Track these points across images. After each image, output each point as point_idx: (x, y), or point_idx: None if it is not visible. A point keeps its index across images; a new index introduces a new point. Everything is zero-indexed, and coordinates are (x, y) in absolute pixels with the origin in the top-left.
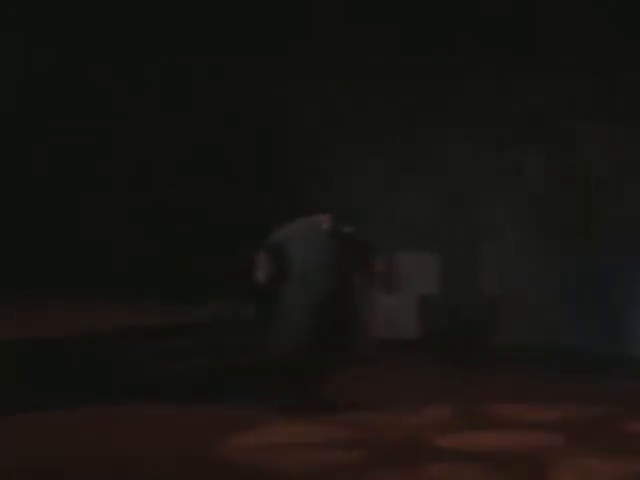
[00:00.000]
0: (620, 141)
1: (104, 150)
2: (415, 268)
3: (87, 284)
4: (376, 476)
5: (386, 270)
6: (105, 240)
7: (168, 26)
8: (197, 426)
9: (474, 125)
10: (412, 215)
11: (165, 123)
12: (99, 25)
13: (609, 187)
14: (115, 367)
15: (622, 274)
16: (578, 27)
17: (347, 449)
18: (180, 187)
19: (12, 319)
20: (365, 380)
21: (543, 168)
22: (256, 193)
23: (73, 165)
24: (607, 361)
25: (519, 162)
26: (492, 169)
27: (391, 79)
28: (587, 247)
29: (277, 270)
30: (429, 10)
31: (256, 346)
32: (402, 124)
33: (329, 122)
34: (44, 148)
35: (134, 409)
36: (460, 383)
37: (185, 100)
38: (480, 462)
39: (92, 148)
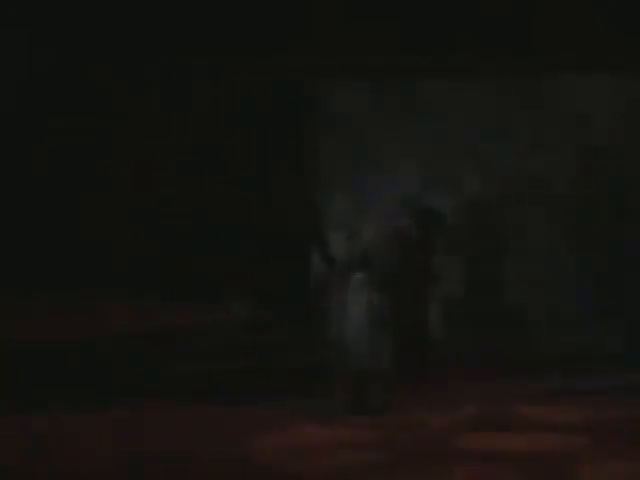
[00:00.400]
0: None
1: (104, 150)
2: None
3: (90, 284)
4: (406, 477)
5: None
6: (105, 240)
7: (168, 26)
8: (236, 425)
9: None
10: None
11: (165, 123)
12: (99, 25)
13: None
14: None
15: None
16: (578, 27)
17: (377, 451)
18: (180, 187)
19: (40, 319)
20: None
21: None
22: (256, 193)
23: (73, 165)
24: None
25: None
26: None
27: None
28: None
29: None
30: (429, 10)
31: (287, 347)
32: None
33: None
34: (44, 148)
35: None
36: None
37: (185, 100)
38: (500, 463)
39: (92, 148)
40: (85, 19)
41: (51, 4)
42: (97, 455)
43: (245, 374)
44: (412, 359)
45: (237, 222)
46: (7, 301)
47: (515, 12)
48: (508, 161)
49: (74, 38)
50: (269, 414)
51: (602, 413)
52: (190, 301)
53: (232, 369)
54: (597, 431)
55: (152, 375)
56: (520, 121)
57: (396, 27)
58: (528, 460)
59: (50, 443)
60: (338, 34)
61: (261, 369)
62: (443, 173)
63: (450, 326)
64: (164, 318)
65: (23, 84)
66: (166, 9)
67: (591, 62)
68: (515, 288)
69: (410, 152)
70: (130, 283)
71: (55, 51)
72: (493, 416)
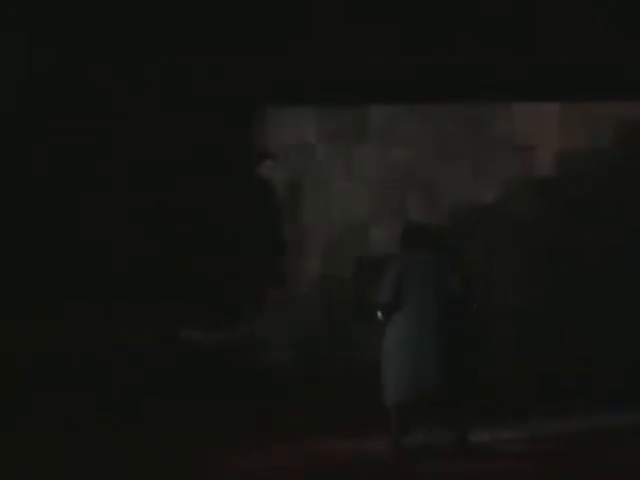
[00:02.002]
0: None
1: (104, 150)
2: None
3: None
4: None
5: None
6: (106, 241)
7: (168, 26)
8: None
9: None
10: None
11: (165, 123)
12: (99, 25)
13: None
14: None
15: None
16: (578, 27)
17: None
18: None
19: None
20: None
21: None
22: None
23: (73, 165)
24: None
25: None
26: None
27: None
28: None
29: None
30: (429, 10)
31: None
32: None
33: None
34: (44, 148)
35: None
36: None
37: (183, 100)
38: None
39: (92, 148)
40: (85, 19)
41: (51, 4)
42: None
43: None
44: None
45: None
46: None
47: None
48: (456, 189)
49: (74, 38)
50: None
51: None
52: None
53: None
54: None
55: None
56: (469, 149)
57: (396, 27)
58: None
59: None
60: (338, 34)
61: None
62: (390, 202)
63: None
64: None
65: (23, 84)
66: (166, 9)
67: (590, 62)
68: None
69: (358, 180)
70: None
71: (55, 51)
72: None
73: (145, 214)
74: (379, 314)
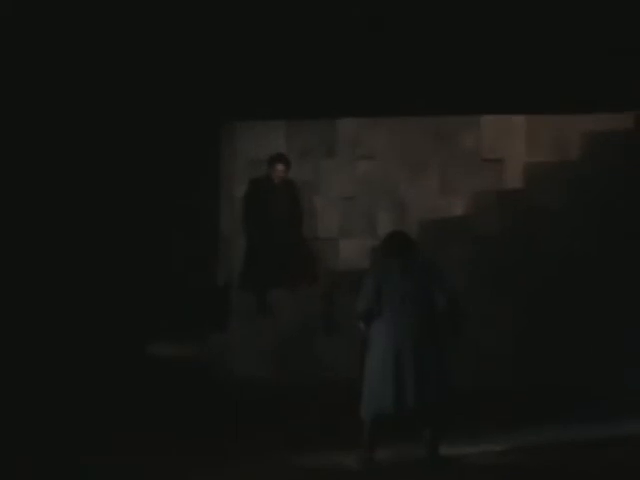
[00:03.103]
0: None
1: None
2: None
3: None
4: None
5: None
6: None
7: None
8: None
9: None
10: None
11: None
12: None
13: None
14: None
15: None
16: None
17: None
18: None
19: None
20: None
21: None
22: None
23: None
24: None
25: None
26: None
27: None
28: None
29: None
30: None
31: None
32: None
33: None
34: None
35: None
36: None
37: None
38: None
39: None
40: None
41: None
42: None
43: None
44: None
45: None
46: None
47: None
48: (424, 202)
49: None
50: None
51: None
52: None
53: None
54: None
55: None
56: (437, 163)
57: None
58: None
59: None
60: None
61: None
62: (359, 216)
63: None
64: None
65: None
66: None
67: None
68: None
69: (328, 193)
70: None
71: None
72: None
73: (113, 226)
74: (361, 325)
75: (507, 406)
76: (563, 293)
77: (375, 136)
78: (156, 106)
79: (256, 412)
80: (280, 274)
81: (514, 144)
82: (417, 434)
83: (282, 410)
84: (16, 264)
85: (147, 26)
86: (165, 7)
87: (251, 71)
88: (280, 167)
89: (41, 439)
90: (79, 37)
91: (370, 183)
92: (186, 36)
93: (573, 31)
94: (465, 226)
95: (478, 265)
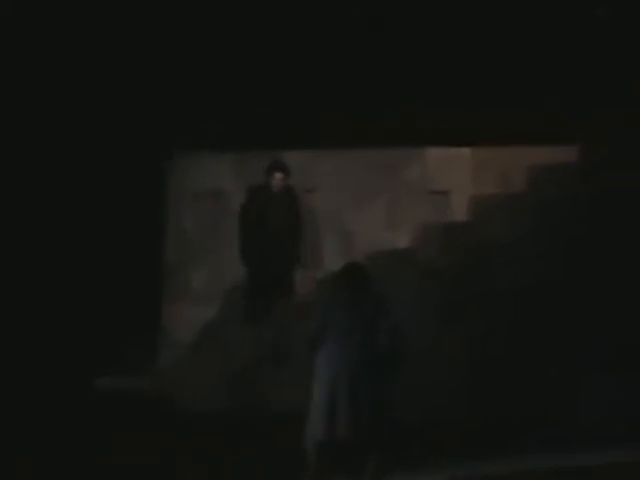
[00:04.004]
0: None
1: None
2: None
3: None
4: None
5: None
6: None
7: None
8: None
9: None
10: None
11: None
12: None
13: None
14: None
15: None
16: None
17: None
18: None
19: None
20: None
21: None
22: None
23: None
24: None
25: None
26: None
27: None
28: None
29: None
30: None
31: None
32: None
33: None
34: None
35: None
36: None
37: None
38: None
39: None
40: None
41: None
42: None
43: None
44: None
45: None
46: None
47: None
48: (369, 234)
49: None
50: None
51: None
52: None
53: None
54: None
55: None
56: (382, 195)
57: None
58: None
59: None
60: None
61: None
62: (305, 247)
63: None
64: None
65: None
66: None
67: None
68: None
69: None
70: None
71: None
72: None
73: (52, 258)
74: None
75: (457, 438)
76: (513, 324)
77: (320, 168)
78: (102, 136)
79: (205, 446)
80: (280, 286)
81: (460, 176)
82: (362, 466)
83: (233, 439)
84: None
85: (98, 56)
86: (111, 39)
87: (198, 103)
88: (279, 175)
89: None
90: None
91: (316, 215)
92: (135, 65)
93: (514, 66)
94: (411, 258)
95: (425, 297)
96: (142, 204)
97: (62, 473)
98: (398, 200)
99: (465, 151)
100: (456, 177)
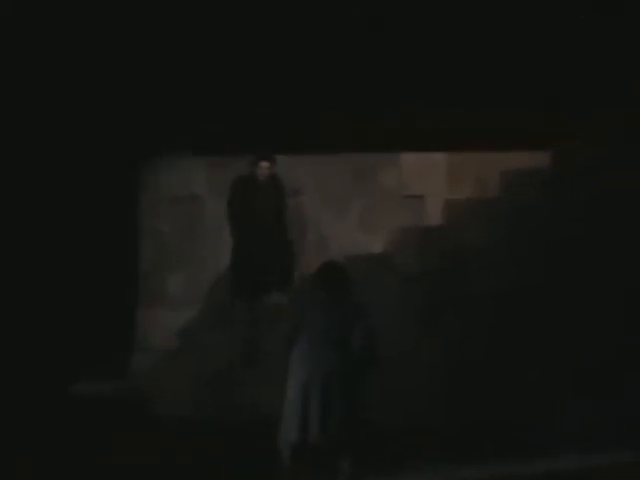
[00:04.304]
0: None
1: None
2: None
3: None
4: None
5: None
6: None
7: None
8: None
9: None
10: None
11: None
12: None
13: None
14: None
15: None
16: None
17: None
18: None
19: None
20: None
21: None
22: None
23: None
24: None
25: None
26: None
27: None
28: None
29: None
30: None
31: None
32: None
33: None
34: None
35: None
36: None
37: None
38: None
39: None
40: None
41: None
42: None
43: None
44: None
45: None
46: None
47: None
48: (345, 239)
49: None
50: None
51: None
52: None
53: None
54: None
55: None
56: (357, 199)
57: None
58: None
59: None
60: None
61: None
62: None
63: None
64: None
65: None
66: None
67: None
68: None
69: None
70: None
71: None
72: None
73: (26, 264)
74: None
75: (435, 442)
76: (490, 328)
77: (296, 173)
78: (79, 140)
79: (182, 450)
80: (269, 277)
81: (435, 181)
82: (337, 468)
83: (209, 447)
84: None
85: (76, 60)
86: (89, 45)
87: (173, 107)
88: (264, 164)
89: None
90: None
91: (291, 219)
92: (113, 69)
93: (491, 71)
94: (387, 263)
95: (401, 302)
96: (118, 208)
97: (39, 476)
98: (374, 205)
99: (440, 156)
100: (431, 182)
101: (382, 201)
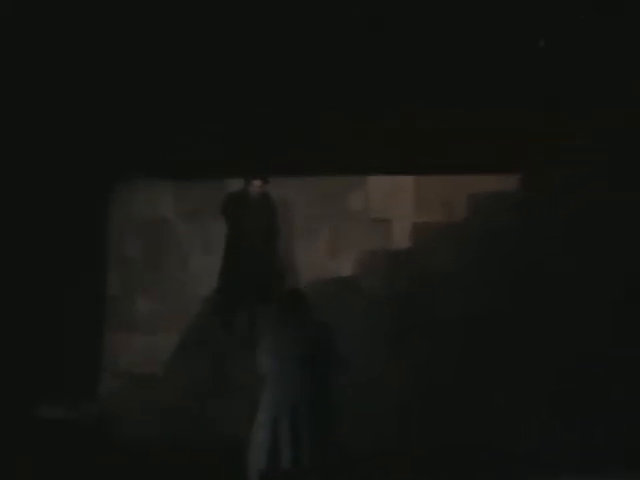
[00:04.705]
0: None
1: None
2: None
3: None
4: None
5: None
6: None
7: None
8: None
9: None
10: None
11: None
12: None
13: None
14: None
15: None
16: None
17: None
18: None
19: None
20: None
21: None
22: None
23: None
24: None
25: None
26: None
27: None
28: None
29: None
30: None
31: None
32: None
33: None
34: None
35: None
36: None
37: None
38: None
39: None
40: None
41: None
42: None
43: None
44: None
45: None
46: None
47: None
48: (312, 263)
49: None
50: None
51: None
52: None
53: None
54: None
55: None
56: (325, 223)
57: None
58: None
59: None
60: None
61: None
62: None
63: None
64: None
65: None
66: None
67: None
68: None
69: (218, 254)
70: None
71: None
72: None
73: (2, 282)
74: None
75: (405, 465)
76: (458, 352)
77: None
78: (45, 165)
79: (147, 475)
80: (258, 289)
81: (402, 204)
82: None
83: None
84: None
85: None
86: (55, 67)
87: (142, 131)
88: (257, 182)
89: None
90: None
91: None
92: (78, 92)
93: (457, 95)
94: (355, 286)
95: (369, 325)
96: (86, 232)
97: None
98: (341, 228)
99: (407, 179)
100: (398, 205)
101: (350, 225)
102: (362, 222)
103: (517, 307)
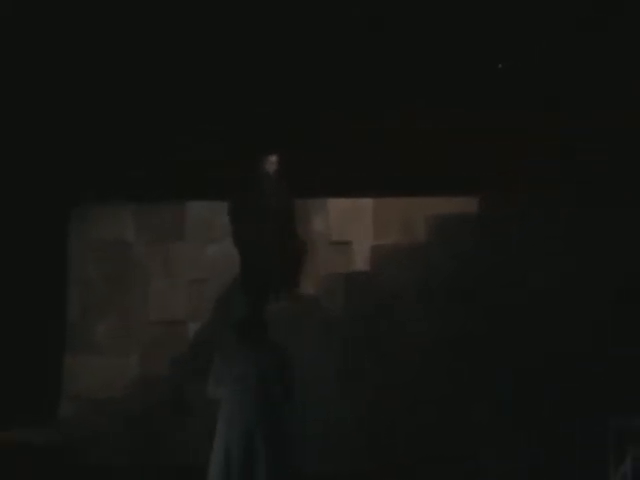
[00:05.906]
0: None
1: None
2: None
3: None
4: None
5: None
6: None
7: None
8: None
9: None
10: None
11: None
12: None
13: None
14: None
15: None
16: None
17: None
18: None
19: None
20: None
21: None
22: None
23: None
24: None
25: None
26: None
27: None
28: None
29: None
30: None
31: None
32: None
33: None
34: None
35: None
36: None
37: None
38: None
39: None
40: None
41: None
42: None
43: None
44: None
45: None
46: None
47: None
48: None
49: None
50: None
51: None
52: None
53: None
54: None
55: None
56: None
57: None
58: None
59: None
60: None
61: None
62: (208, 299)
63: None
64: None
65: None
66: None
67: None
68: None
69: (179, 277)
70: None
71: None
72: None
73: None
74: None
75: None
76: (416, 374)
77: (225, 219)
78: (4, 187)
79: None
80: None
81: (361, 227)
82: None
83: None
84: None
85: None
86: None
87: (102, 153)
88: (273, 159)
89: None
90: None
91: (221, 266)
92: (40, 113)
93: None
94: (314, 308)
95: (327, 348)
96: (44, 254)
97: None
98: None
99: (366, 202)
100: (358, 228)
101: (310, 247)
102: (322, 244)
103: (477, 326)
